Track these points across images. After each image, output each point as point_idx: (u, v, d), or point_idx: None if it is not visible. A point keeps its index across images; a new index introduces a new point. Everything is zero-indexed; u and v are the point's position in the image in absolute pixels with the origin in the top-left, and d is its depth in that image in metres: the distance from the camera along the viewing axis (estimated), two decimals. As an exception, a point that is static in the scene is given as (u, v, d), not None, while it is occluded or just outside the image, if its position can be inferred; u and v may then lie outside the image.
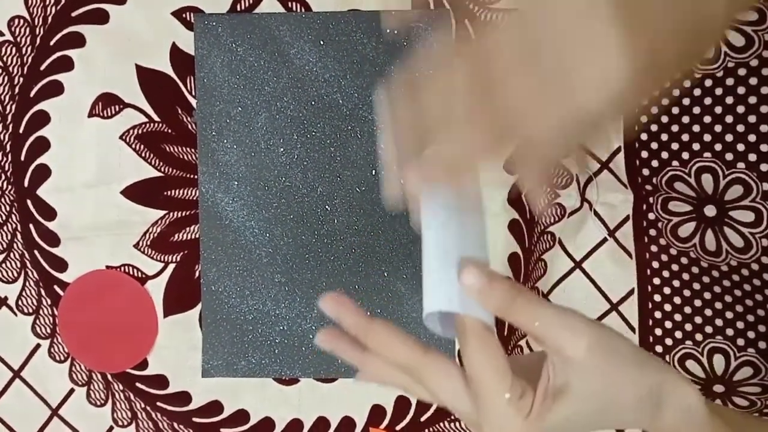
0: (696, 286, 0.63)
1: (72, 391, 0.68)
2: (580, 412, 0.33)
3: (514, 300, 0.33)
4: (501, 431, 0.33)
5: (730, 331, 0.62)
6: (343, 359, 0.39)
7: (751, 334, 0.61)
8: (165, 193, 0.65)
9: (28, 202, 0.65)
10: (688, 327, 0.63)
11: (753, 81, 0.57)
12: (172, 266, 0.66)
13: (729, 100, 0.58)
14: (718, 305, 0.62)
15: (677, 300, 0.63)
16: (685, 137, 0.61)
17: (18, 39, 0.64)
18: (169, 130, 0.65)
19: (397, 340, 0.35)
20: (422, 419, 0.67)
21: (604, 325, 0.34)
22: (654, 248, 0.64)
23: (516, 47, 0.31)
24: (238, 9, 0.63)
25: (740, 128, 0.58)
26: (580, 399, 0.32)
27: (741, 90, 0.58)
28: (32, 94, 0.64)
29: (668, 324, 0.64)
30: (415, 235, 0.64)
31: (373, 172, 0.64)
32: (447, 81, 0.33)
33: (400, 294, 0.65)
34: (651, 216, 0.63)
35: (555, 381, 0.32)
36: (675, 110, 0.61)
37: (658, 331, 0.64)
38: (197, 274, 0.66)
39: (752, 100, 0.57)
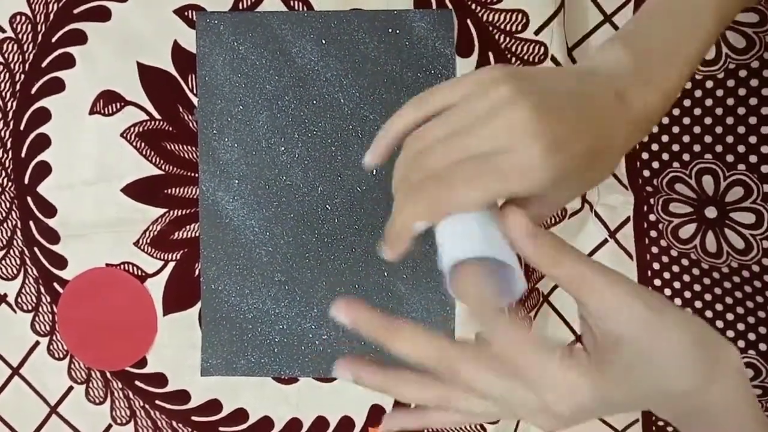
0: (697, 287, 0.63)
1: (71, 388, 0.67)
2: (636, 365, 0.32)
3: (564, 252, 0.33)
4: (567, 392, 0.32)
5: (730, 333, 0.62)
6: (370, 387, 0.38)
7: (751, 336, 0.61)
8: (165, 191, 0.65)
9: (29, 199, 0.65)
10: (689, 329, 0.63)
11: (754, 83, 0.57)
12: (171, 264, 0.66)
13: (730, 101, 0.58)
14: (719, 307, 0.62)
15: (678, 301, 0.63)
16: (686, 139, 0.61)
17: (19, 36, 0.64)
18: (170, 128, 0.65)
19: (423, 337, 0.35)
20: (421, 419, 0.67)
21: (670, 310, 0.34)
22: (655, 250, 0.64)
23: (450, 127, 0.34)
24: (240, 7, 0.63)
25: (741, 130, 0.58)
26: (634, 351, 0.32)
27: (742, 91, 0.58)
28: (33, 91, 0.64)
29: (668, 325, 0.64)
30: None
31: (374, 171, 0.64)
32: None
33: (400, 294, 0.65)
34: (652, 217, 0.63)
35: (604, 335, 0.32)
36: (675, 112, 0.61)
37: (658, 333, 0.64)
38: (197, 272, 0.65)
39: (753, 101, 0.57)
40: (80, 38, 0.64)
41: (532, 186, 0.32)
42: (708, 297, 0.62)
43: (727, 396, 0.34)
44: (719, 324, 0.62)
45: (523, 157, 0.32)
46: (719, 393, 0.34)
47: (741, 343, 0.61)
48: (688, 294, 0.63)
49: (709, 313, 0.62)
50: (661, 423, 0.65)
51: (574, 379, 0.32)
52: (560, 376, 0.32)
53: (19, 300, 0.67)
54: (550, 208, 0.37)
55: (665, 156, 0.62)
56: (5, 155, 0.65)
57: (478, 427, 0.66)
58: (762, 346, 0.60)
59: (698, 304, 0.63)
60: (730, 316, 0.61)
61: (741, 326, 0.61)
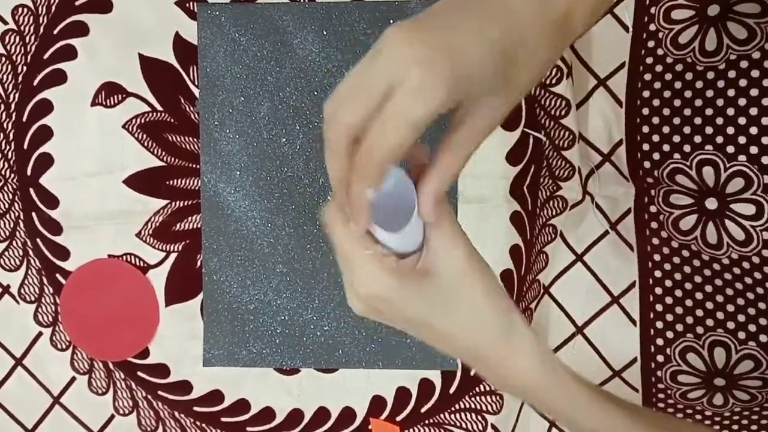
0: (697, 278, 0.63)
1: (74, 379, 0.68)
2: (438, 297, 0.39)
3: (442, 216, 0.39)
4: (366, 277, 0.38)
5: (731, 324, 0.62)
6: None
7: (752, 327, 0.61)
8: (167, 182, 0.65)
9: (31, 190, 0.66)
10: (689, 320, 0.63)
11: (755, 73, 0.57)
12: (173, 256, 0.66)
13: (731, 92, 0.58)
14: (719, 298, 0.62)
15: (678, 293, 0.64)
16: (687, 130, 0.61)
17: (22, 28, 0.64)
18: (172, 120, 0.65)
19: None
20: (422, 410, 0.67)
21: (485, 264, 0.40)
22: (655, 241, 0.64)
23: None
24: (242, -1, 0.63)
25: (741, 121, 0.58)
26: (439, 284, 0.39)
27: (743, 82, 0.58)
28: (35, 82, 0.65)
29: (669, 317, 0.64)
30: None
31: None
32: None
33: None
34: (652, 209, 0.63)
35: (426, 261, 0.39)
36: (676, 102, 0.61)
37: (659, 324, 0.64)
38: (199, 263, 0.66)
39: (754, 92, 0.57)
40: (82, 30, 0.64)
41: (434, 103, 0.33)
42: (708, 288, 0.62)
43: (534, 374, 0.39)
44: (719, 315, 0.62)
45: (411, 81, 0.33)
46: (524, 369, 0.39)
47: (741, 335, 0.61)
48: (688, 285, 0.63)
49: (709, 305, 0.62)
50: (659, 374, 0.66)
51: (375, 270, 0.38)
52: (367, 265, 0.38)
53: (22, 291, 0.67)
54: (492, 116, 0.37)
55: (666, 147, 0.62)
56: (8, 147, 0.66)
57: (480, 418, 0.67)
58: (762, 338, 0.60)
59: (699, 295, 0.63)
60: (730, 308, 0.61)
61: (741, 317, 0.61)
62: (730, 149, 0.59)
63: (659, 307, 0.64)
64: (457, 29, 0.34)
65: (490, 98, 0.36)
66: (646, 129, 0.62)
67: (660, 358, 0.65)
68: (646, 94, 0.62)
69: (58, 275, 0.67)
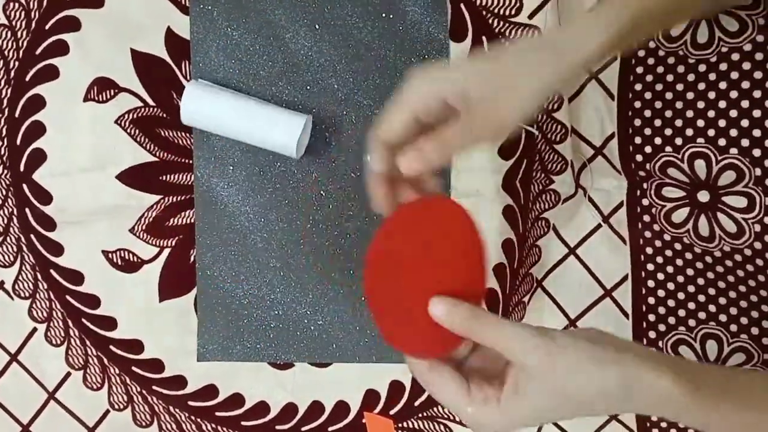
0: (689, 271, 0.63)
1: (68, 374, 0.68)
2: (543, 407, 0.39)
3: (475, 322, 0.40)
4: (477, 426, 0.40)
5: (723, 317, 0.62)
6: None
7: (744, 320, 0.61)
8: (160, 177, 0.65)
9: (24, 186, 0.66)
10: (682, 313, 0.63)
11: (746, 66, 0.57)
12: (167, 251, 0.66)
13: (722, 85, 0.58)
14: (712, 291, 0.62)
15: (671, 286, 0.64)
16: (678, 123, 0.61)
17: (13, 23, 0.64)
18: (164, 115, 0.65)
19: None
20: (416, 404, 0.67)
21: (560, 335, 0.39)
22: (648, 234, 0.64)
23: None
24: (234, -7, 0.63)
25: (733, 113, 0.58)
26: (538, 397, 0.38)
27: (734, 75, 0.58)
28: (28, 78, 0.64)
29: (662, 310, 0.64)
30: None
31: (368, 157, 0.64)
32: None
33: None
34: (645, 202, 0.64)
35: (515, 384, 0.39)
36: (668, 95, 0.61)
37: (652, 317, 0.65)
38: (192, 258, 0.66)
39: (745, 84, 0.57)
40: (74, 25, 0.64)
41: (422, 89, 0.44)
42: (701, 281, 0.62)
43: (649, 402, 0.38)
44: (711, 308, 0.62)
45: (411, 79, 0.45)
46: (640, 403, 0.39)
47: (733, 327, 0.62)
48: (680, 278, 0.63)
49: (701, 297, 0.63)
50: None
51: (487, 422, 0.39)
52: (474, 421, 0.40)
53: (16, 287, 0.67)
54: (493, 123, 0.44)
55: (658, 140, 0.62)
56: (0, 143, 0.66)
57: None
58: (754, 330, 0.60)
59: (691, 288, 0.63)
60: (722, 300, 0.62)
61: (733, 310, 0.61)
62: (722, 142, 0.59)
63: (651, 300, 0.64)
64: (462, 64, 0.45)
65: (493, 105, 0.43)
66: (638, 122, 0.62)
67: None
68: (638, 87, 0.62)
69: (52, 271, 0.67)
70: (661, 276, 0.64)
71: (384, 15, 0.63)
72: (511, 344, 0.39)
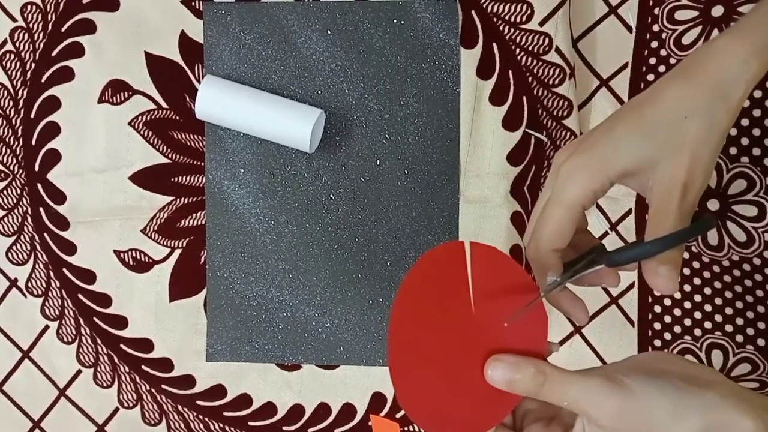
0: (696, 281, 0.63)
1: (79, 372, 0.69)
2: None
3: (542, 385, 0.36)
4: None
5: (729, 328, 0.62)
6: None
7: (750, 331, 0.61)
8: (172, 179, 0.66)
9: (39, 186, 0.67)
10: (688, 322, 0.63)
11: (758, 76, 0.57)
12: (178, 251, 0.67)
13: (733, 94, 0.58)
14: (718, 301, 0.62)
15: (677, 294, 0.64)
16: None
17: (30, 25, 0.65)
18: (177, 117, 0.65)
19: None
20: (422, 407, 0.68)
21: (638, 384, 0.35)
22: (656, 242, 0.64)
23: None
24: (247, -2, 0.64)
25: (744, 122, 0.58)
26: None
27: (745, 85, 0.57)
28: (44, 79, 0.66)
29: (667, 318, 0.64)
30: (418, 226, 0.65)
31: (378, 162, 0.64)
32: None
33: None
34: (653, 210, 0.63)
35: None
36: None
37: (657, 326, 0.65)
38: (203, 259, 0.67)
39: (757, 94, 0.57)
40: (89, 28, 0.65)
41: (583, 183, 0.40)
42: (707, 291, 0.62)
43: None
44: (718, 318, 0.62)
45: (561, 173, 0.41)
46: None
47: (739, 338, 0.61)
48: (687, 287, 0.63)
49: (708, 307, 0.62)
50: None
51: None
52: None
53: (30, 284, 0.68)
54: (662, 180, 0.39)
55: (667, 149, 0.62)
56: (16, 143, 0.67)
57: None
58: (760, 341, 0.60)
59: (697, 297, 0.63)
60: (729, 311, 0.62)
61: (740, 321, 0.61)
62: (733, 151, 0.59)
63: (657, 309, 0.64)
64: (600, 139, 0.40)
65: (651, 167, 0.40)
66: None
67: (659, 359, 0.65)
68: (648, 95, 0.62)
69: (64, 269, 0.68)
70: (668, 284, 0.64)
71: (395, 21, 0.63)
72: (581, 404, 0.35)
